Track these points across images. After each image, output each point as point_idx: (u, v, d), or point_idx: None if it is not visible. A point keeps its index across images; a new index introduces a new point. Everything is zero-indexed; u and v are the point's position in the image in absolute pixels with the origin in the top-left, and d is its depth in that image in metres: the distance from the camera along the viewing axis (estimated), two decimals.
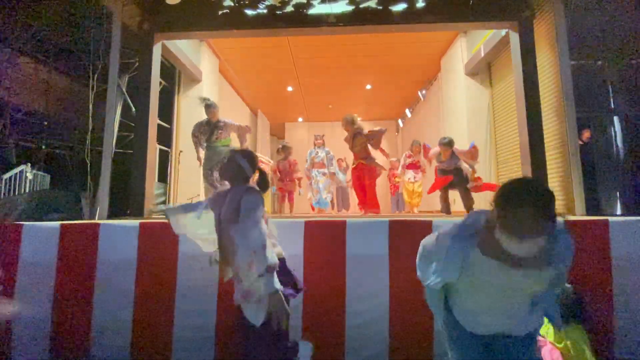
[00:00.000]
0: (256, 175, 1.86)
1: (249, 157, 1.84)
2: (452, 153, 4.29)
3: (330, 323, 2.32)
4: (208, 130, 4.36)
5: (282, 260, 1.76)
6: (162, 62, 4.74)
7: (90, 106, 5.66)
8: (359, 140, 4.56)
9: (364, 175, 4.53)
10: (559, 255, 1.12)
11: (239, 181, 1.79)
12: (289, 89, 8.72)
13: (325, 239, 2.42)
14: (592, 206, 3.74)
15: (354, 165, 4.70)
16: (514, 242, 0.98)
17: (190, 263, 2.40)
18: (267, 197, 7.21)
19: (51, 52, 7.06)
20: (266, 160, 6.65)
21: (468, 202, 4.33)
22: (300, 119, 11.72)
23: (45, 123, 7.45)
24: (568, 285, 1.76)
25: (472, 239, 1.14)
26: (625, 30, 4.17)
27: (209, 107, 4.37)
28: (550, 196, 1.01)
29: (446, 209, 4.47)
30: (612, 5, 4.13)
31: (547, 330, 1.86)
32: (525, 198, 0.98)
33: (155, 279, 2.41)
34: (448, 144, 4.22)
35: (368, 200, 4.47)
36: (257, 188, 1.80)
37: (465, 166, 4.21)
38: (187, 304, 2.37)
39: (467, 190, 4.25)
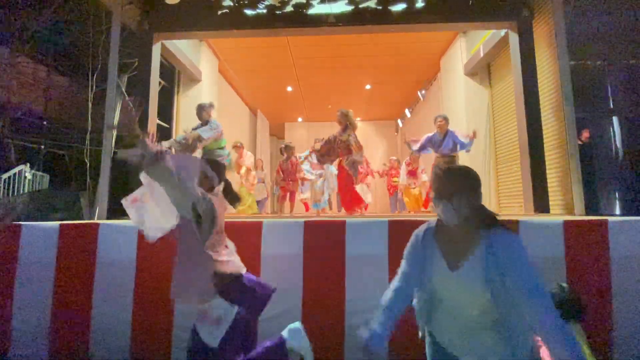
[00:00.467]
0: (222, 186, 1.86)
1: (216, 166, 1.85)
2: (448, 131, 4.31)
3: (329, 323, 2.32)
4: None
5: (238, 277, 1.73)
6: (161, 62, 4.73)
7: (90, 106, 5.66)
8: (344, 138, 4.46)
9: (345, 176, 4.45)
10: (494, 258, 1.10)
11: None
12: (289, 89, 8.73)
13: (325, 239, 2.42)
14: (591, 206, 3.75)
15: (340, 165, 4.57)
16: (435, 204, 1.20)
17: None
18: (269, 196, 7.23)
19: (50, 52, 7.06)
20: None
21: None
22: (299, 119, 11.72)
23: (45, 123, 7.44)
24: (565, 285, 1.76)
25: (425, 234, 1.30)
26: (624, 32, 4.18)
27: (201, 108, 4.12)
28: (459, 173, 1.24)
29: None
30: (611, 7, 4.14)
31: None
32: (443, 170, 1.23)
33: (155, 279, 2.40)
34: (445, 118, 4.30)
35: (351, 198, 4.43)
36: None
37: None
38: (186, 304, 2.37)
39: None
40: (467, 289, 1.14)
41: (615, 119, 4.43)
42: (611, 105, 4.44)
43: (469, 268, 1.14)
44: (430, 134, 4.54)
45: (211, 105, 4.18)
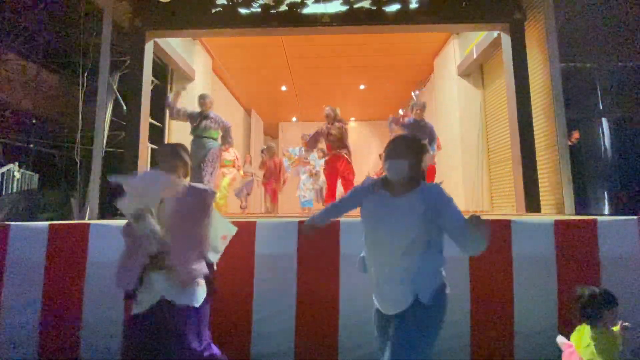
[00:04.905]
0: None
1: (188, 152, 1.91)
2: (427, 123, 4.42)
3: (323, 323, 2.32)
4: (197, 119, 4.19)
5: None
6: (154, 60, 4.69)
7: (80, 104, 5.57)
8: (337, 128, 4.49)
9: (341, 168, 4.45)
10: (429, 198, 1.41)
11: (180, 175, 1.81)
12: (283, 88, 8.71)
13: (319, 238, 2.41)
14: (581, 206, 3.81)
15: (328, 157, 4.62)
16: (387, 164, 1.46)
17: None
18: (257, 193, 7.23)
19: (40, 49, 6.94)
20: (250, 172, 6.63)
21: None
22: (294, 119, 11.69)
23: (34, 121, 7.31)
24: (592, 288, 1.80)
25: (375, 181, 1.58)
26: (614, 34, 4.26)
27: (204, 97, 4.28)
28: (414, 140, 1.54)
29: None
30: (602, 10, 4.22)
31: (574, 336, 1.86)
32: (397, 139, 1.54)
33: None
34: (422, 106, 4.48)
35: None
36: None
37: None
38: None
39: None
40: (407, 213, 1.40)
41: (604, 120, 4.51)
42: (600, 107, 4.52)
43: (409, 198, 1.43)
44: (411, 119, 4.58)
45: (209, 97, 4.35)
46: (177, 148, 1.85)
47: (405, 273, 1.38)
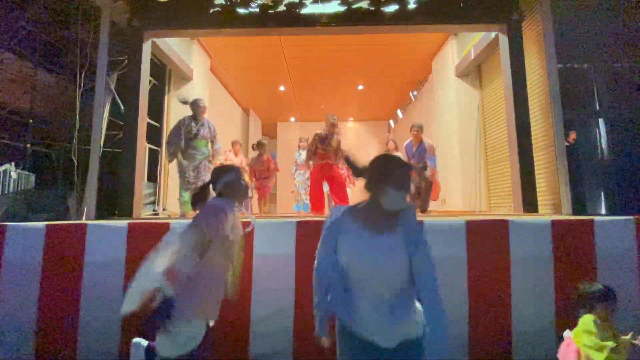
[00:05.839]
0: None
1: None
2: (422, 142, 4.40)
3: None
4: (194, 128, 4.03)
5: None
6: (152, 60, 4.67)
7: (78, 104, 5.55)
8: (336, 141, 4.48)
9: (329, 173, 4.42)
10: (406, 222, 1.26)
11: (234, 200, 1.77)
12: (281, 88, 8.70)
13: (317, 239, 2.40)
14: (578, 206, 3.83)
15: (318, 164, 4.46)
16: (393, 193, 1.23)
17: None
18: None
19: (37, 49, 6.90)
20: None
21: (425, 203, 4.42)
22: (292, 119, 11.69)
23: (30, 121, 7.27)
24: (592, 282, 1.86)
25: (344, 212, 1.34)
26: (610, 35, 4.28)
27: (199, 105, 4.09)
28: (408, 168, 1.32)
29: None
30: (599, 11, 4.24)
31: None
32: (400, 162, 1.32)
33: None
34: (420, 127, 4.41)
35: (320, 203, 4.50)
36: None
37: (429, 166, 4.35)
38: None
39: (428, 190, 4.34)
40: (389, 254, 1.22)
41: (601, 121, 4.53)
42: (597, 107, 4.54)
43: (391, 234, 1.24)
44: (407, 142, 4.64)
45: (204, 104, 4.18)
46: (241, 174, 1.80)
47: (398, 308, 1.23)
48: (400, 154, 4.65)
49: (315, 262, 1.39)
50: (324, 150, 4.39)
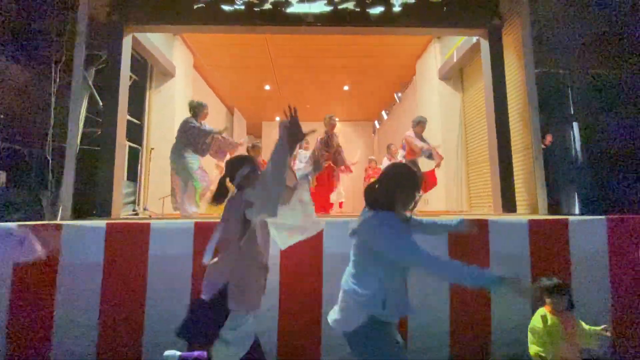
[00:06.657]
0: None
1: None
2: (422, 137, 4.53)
3: (306, 323, 2.31)
4: (202, 133, 3.98)
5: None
6: (132, 55, 4.54)
7: (53, 99, 5.31)
8: (335, 140, 4.55)
9: (330, 180, 4.57)
10: (367, 224, 1.58)
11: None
12: (267, 87, 8.63)
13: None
14: (554, 206, 3.98)
15: (326, 165, 4.61)
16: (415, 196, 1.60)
17: (161, 264, 2.31)
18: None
19: (7, 39, 6.57)
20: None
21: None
22: (277, 118, 11.62)
23: (1, 116, 6.92)
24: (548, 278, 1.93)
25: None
26: (587, 43, 4.47)
27: (203, 106, 4.05)
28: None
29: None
30: (576, 19, 4.42)
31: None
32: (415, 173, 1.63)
33: (123, 281, 2.30)
34: (423, 121, 4.52)
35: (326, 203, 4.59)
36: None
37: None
38: (157, 307, 2.28)
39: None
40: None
41: (576, 125, 4.72)
42: (572, 112, 4.73)
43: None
44: (409, 133, 4.64)
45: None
46: (255, 164, 1.87)
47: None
48: (400, 155, 4.79)
49: (423, 253, 1.40)
50: (328, 152, 4.53)
